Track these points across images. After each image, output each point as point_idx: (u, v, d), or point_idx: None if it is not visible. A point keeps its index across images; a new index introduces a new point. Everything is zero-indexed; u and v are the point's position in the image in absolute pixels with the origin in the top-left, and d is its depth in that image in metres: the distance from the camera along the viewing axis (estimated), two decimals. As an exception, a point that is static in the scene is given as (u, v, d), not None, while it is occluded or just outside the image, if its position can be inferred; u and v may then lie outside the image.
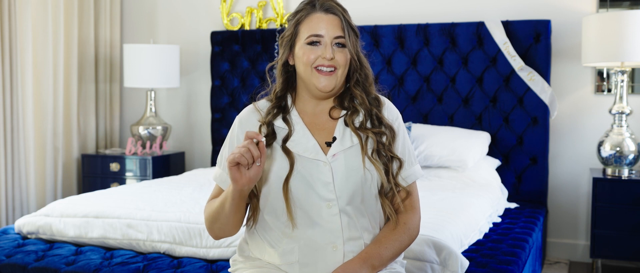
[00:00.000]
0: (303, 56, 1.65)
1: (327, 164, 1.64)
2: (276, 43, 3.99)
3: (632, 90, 3.69)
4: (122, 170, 4.19)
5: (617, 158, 3.44)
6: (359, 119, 1.70)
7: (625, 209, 3.33)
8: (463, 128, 3.77)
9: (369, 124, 1.69)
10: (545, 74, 3.67)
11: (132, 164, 4.17)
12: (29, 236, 2.76)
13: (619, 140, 3.44)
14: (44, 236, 2.73)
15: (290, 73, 1.73)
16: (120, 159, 4.20)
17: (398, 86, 3.95)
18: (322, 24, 1.64)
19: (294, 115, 1.71)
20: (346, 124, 1.70)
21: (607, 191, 3.37)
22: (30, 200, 3.98)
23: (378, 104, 1.72)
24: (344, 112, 1.71)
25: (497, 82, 3.76)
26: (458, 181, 3.40)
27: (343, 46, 1.66)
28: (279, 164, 1.64)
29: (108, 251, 2.58)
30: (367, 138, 1.67)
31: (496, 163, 3.68)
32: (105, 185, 4.16)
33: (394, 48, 3.96)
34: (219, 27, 4.48)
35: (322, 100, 1.72)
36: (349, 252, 1.64)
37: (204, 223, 1.73)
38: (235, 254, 1.82)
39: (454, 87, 3.85)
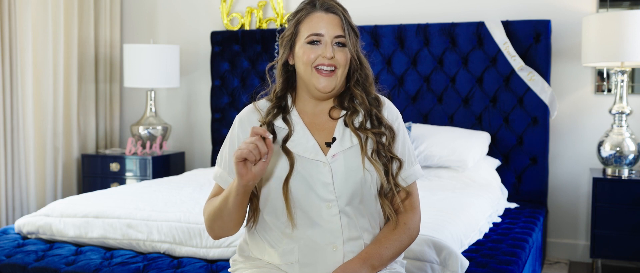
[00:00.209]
0: (303, 55, 1.65)
1: (326, 164, 1.64)
2: (276, 43, 3.99)
3: (632, 90, 3.69)
4: (122, 170, 4.19)
5: (617, 158, 3.44)
6: (358, 120, 1.70)
7: (625, 209, 3.33)
8: (463, 128, 3.77)
9: (368, 125, 1.69)
10: (545, 74, 3.67)
11: (132, 164, 4.17)
12: (29, 236, 2.76)
13: (619, 140, 3.44)
14: (44, 237, 2.73)
15: (290, 73, 1.73)
16: (120, 159, 4.20)
17: (398, 86, 3.95)
18: (322, 24, 1.64)
19: (294, 115, 1.71)
20: (346, 124, 1.69)
21: (607, 191, 3.37)
22: (30, 200, 3.98)
23: (378, 104, 1.72)
24: (343, 112, 1.71)
25: (497, 82, 3.76)
26: (458, 181, 3.40)
27: (343, 45, 1.66)
28: (278, 165, 1.64)
29: (108, 251, 2.58)
30: (366, 138, 1.67)
31: (496, 163, 3.68)
32: (105, 185, 4.16)
33: (394, 48, 3.96)
34: (219, 27, 4.48)
35: (322, 100, 1.72)
36: (348, 252, 1.64)
37: (204, 222, 1.72)
38: (235, 254, 1.82)
39: (454, 87, 3.85)
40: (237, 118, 1.74)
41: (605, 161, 3.49)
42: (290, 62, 1.71)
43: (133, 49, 4.21)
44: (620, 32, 3.28)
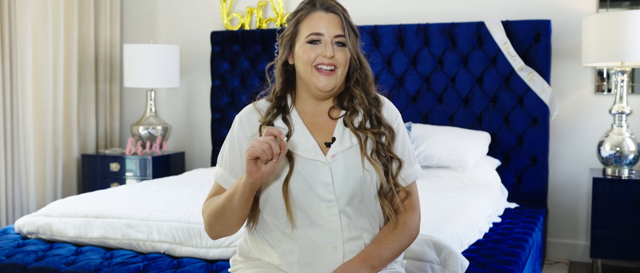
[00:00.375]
0: (303, 55, 1.65)
1: (326, 164, 1.64)
2: (276, 43, 3.99)
3: (632, 90, 3.69)
4: (122, 170, 4.19)
5: (617, 158, 3.44)
6: (358, 120, 1.70)
7: (625, 209, 3.33)
8: (463, 128, 3.77)
9: (368, 125, 1.69)
10: (545, 74, 3.67)
11: (132, 164, 4.17)
12: (29, 236, 2.76)
13: (619, 140, 3.44)
14: (44, 237, 2.73)
15: (289, 73, 1.73)
16: (120, 159, 4.20)
17: (398, 86, 3.95)
18: (322, 23, 1.64)
19: (294, 115, 1.71)
20: (345, 124, 1.69)
21: (607, 191, 3.37)
22: (30, 200, 3.98)
23: (377, 104, 1.72)
24: (343, 112, 1.71)
25: (497, 82, 3.76)
26: (458, 181, 3.40)
27: (343, 45, 1.66)
28: (279, 165, 1.64)
29: (108, 251, 2.58)
30: (366, 138, 1.67)
31: (496, 163, 3.68)
32: (105, 185, 4.16)
33: (394, 48, 3.96)
34: (219, 27, 4.48)
35: (321, 100, 1.72)
36: (348, 252, 1.64)
37: (203, 221, 1.71)
38: (235, 254, 1.82)
39: (454, 87, 3.85)
40: (237, 117, 1.74)
41: (605, 161, 3.49)
42: (290, 62, 1.71)
43: (133, 49, 4.21)
44: (620, 32, 3.28)
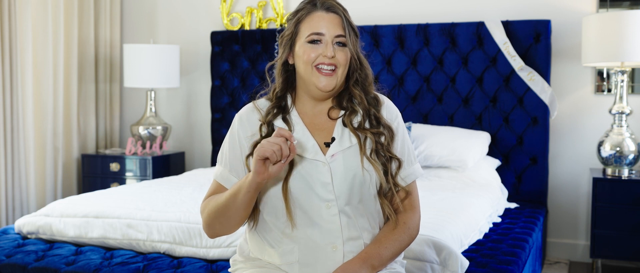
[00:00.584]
0: (303, 55, 1.65)
1: (326, 164, 1.64)
2: (276, 43, 3.99)
3: (632, 90, 3.69)
4: (122, 170, 4.19)
5: (617, 158, 3.44)
6: (357, 120, 1.70)
7: (625, 209, 3.33)
8: (463, 128, 3.77)
9: (367, 125, 1.69)
10: (545, 74, 3.67)
11: (132, 164, 4.17)
12: (29, 236, 2.76)
13: (619, 140, 3.44)
14: (44, 237, 2.73)
15: (289, 73, 1.73)
16: (120, 159, 4.20)
17: (398, 86, 3.95)
18: (323, 23, 1.64)
19: (294, 115, 1.71)
20: (345, 124, 1.69)
21: (607, 191, 3.37)
22: (30, 200, 3.98)
23: (376, 104, 1.72)
24: (342, 112, 1.71)
25: (497, 82, 3.76)
26: (458, 181, 3.40)
27: (344, 44, 1.66)
28: (278, 165, 1.64)
29: (108, 251, 2.58)
30: (365, 138, 1.67)
31: (496, 163, 3.68)
32: (105, 185, 4.16)
33: (394, 48, 3.96)
34: (219, 27, 4.48)
35: (321, 100, 1.72)
36: (348, 252, 1.64)
37: (202, 220, 1.70)
38: (235, 254, 1.82)
39: (454, 87, 3.85)
40: (237, 116, 1.74)
41: (605, 161, 3.49)
42: (290, 62, 1.71)
43: (133, 49, 4.21)
44: (620, 32, 3.28)
